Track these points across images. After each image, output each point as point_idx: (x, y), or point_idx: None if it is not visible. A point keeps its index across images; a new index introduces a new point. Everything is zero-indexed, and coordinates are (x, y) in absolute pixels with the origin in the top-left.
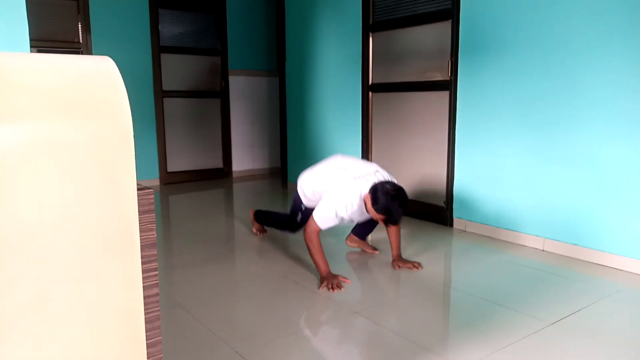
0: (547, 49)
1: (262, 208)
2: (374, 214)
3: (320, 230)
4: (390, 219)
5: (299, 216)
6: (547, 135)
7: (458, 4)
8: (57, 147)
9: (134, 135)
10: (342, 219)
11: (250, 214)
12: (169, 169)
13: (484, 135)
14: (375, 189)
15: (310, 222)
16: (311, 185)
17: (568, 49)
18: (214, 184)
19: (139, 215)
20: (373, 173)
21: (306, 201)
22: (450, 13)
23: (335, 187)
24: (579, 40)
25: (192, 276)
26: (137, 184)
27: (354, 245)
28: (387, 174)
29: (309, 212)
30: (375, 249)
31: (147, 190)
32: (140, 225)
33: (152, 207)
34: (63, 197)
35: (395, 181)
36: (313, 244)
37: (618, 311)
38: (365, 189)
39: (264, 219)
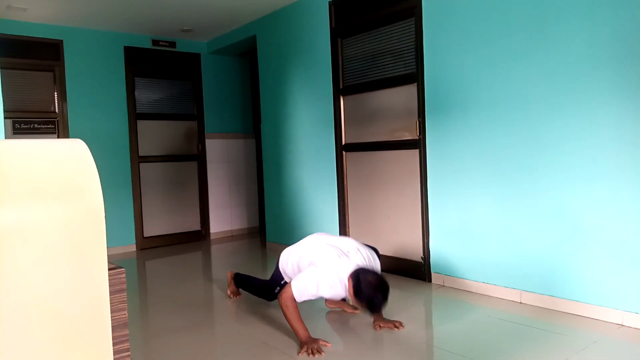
0: (509, 106)
1: (242, 271)
2: (355, 301)
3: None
4: (373, 309)
5: (277, 289)
6: (516, 189)
7: (422, 68)
8: (28, 231)
9: (111, 201)
10: (320, 296)
11: (227, 276)
12: (146, 234)
13: (455, 191)
14: (357, 278)
15: (286, 288)
16: (293, 261)
17: (528, 105)
18: (192, 246)
19: (110, 295)
20: (355, 251)
21: (286, 278)
22: (415, 76)
23: (319, 263)
24: (538, 98)
25: (170, 345)
26: (109, 264)
27: (333, 306)
28: (367, 251)
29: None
30: (355, 308)
31: (118, 270)
32: (111, 306)
33: (124, 286)
34: (33, 280)
35: (376, 262)
36: (289, 310)
37: None
38: (347, 271)
39: (243, 283)
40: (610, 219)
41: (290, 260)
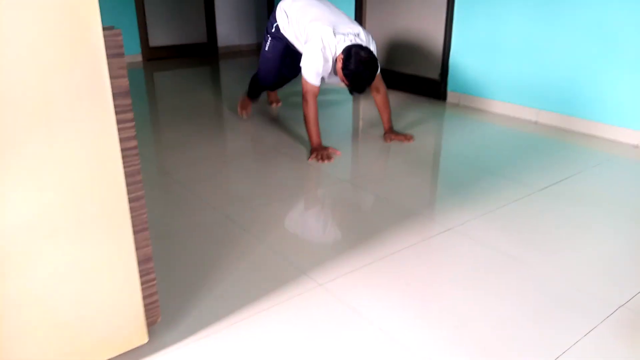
0: None
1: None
2: (341, 77)
3: (317, 91)
4: (355, 87)
5: (267, 43)
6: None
7: None
8: None
9: (110, 5)
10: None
11: (240, 99)
12: (151, 44)
13: (484, 2)
14: (349, 53)
15: (303, 84)
16: (295, 19)
17: None
18: (199, 60)
19: (107, 58)
20: (354, 35)
21: (281, 24)
22: None
23: (316, 38)
24: None
25: (181, 149)
26: (102, 26)
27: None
28: (369, 39)
29: (275, 38)
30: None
31: (114, 31)
32: (110, 71)
33: (122, 50)
34: (17, 34)
35: (373, 47)
36: (311, 111)
37: (606, 177)
38: (340, 48)
39: (253, 89)
40: None
41: (293, 16)
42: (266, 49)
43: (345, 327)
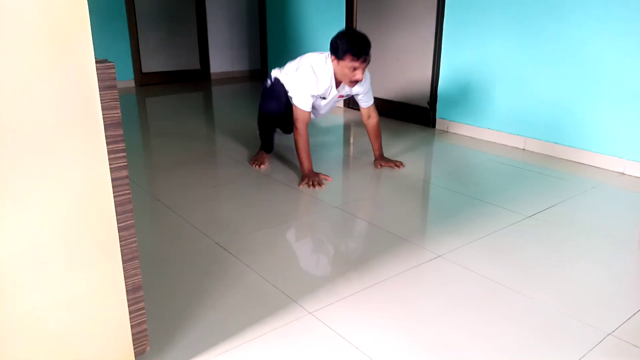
0: None
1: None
2: (344, 67)
3: (307, 118)
4: (359, 53)
5: (268, 82)
6: (537, 31)
7: None
8: (2, 11)
9: (104, 32)
10: (316, 97)
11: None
12: (144, 70)
13: (471, 32)
14: (333, 44)
15: (294, 112)
16: (286, 74)
17: None
18: (192, 86)
19: (99, 91)
20: None
21: (278, 75)
22: None
23: (303, 64)
24: None
25: (173, 174)
26: (96, 58)
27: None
28: None
29: (278, 83)
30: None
31: (106, 64)
32: (102, 103)
33: (114, 82)
34: (8, 67)
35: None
36: (302, 138)
37: (594, 204)
38: (329, 61)
39: (263, 138)
40: (632, 67)
41: (286, 74)
42: (267, 85)
43: (335, 355)
